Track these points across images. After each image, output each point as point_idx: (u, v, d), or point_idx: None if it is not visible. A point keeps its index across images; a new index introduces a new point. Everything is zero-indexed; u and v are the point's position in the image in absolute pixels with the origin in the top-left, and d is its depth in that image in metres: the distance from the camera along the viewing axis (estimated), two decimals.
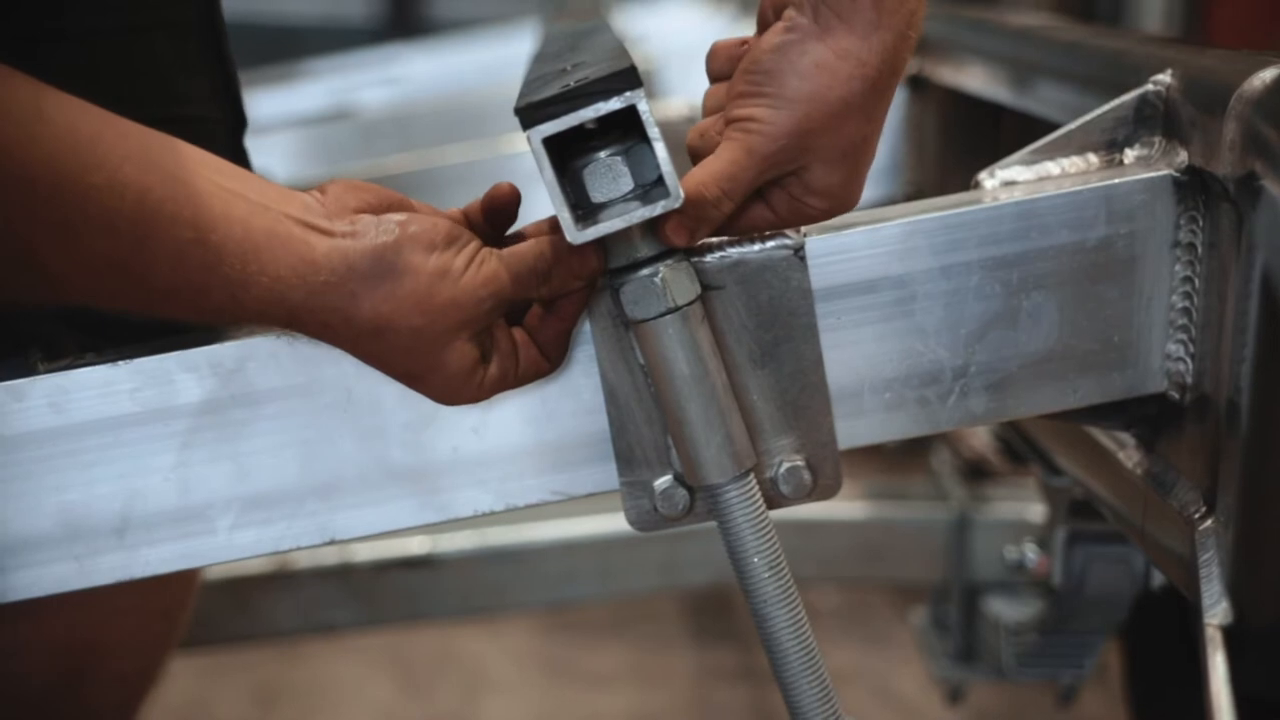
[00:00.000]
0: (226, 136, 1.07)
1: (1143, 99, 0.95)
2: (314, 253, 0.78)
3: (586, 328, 0.90)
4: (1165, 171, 0.92)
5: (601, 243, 0.84)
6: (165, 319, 0.80)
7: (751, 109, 0.84)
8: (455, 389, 0.85)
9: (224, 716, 2.49)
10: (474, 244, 0.83)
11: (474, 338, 0.83)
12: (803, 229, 0.90)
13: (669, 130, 0.81)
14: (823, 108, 0.82)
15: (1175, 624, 1.62)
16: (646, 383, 0.90)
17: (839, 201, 0.87)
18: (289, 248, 0.78)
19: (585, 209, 0.83)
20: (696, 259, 0.88)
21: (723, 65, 0.89)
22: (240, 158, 1.09)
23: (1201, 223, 0.91)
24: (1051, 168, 0.96)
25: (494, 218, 0.87)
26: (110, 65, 0.97)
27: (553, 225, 0.85)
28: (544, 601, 1.97)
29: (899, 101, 1.69)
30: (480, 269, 0.82)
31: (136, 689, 1.24)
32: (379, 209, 0.83)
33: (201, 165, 0.78)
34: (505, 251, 0.84)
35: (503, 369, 0.86)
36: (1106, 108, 0.96)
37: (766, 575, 0.89)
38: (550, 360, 0.89)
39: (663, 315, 0.85)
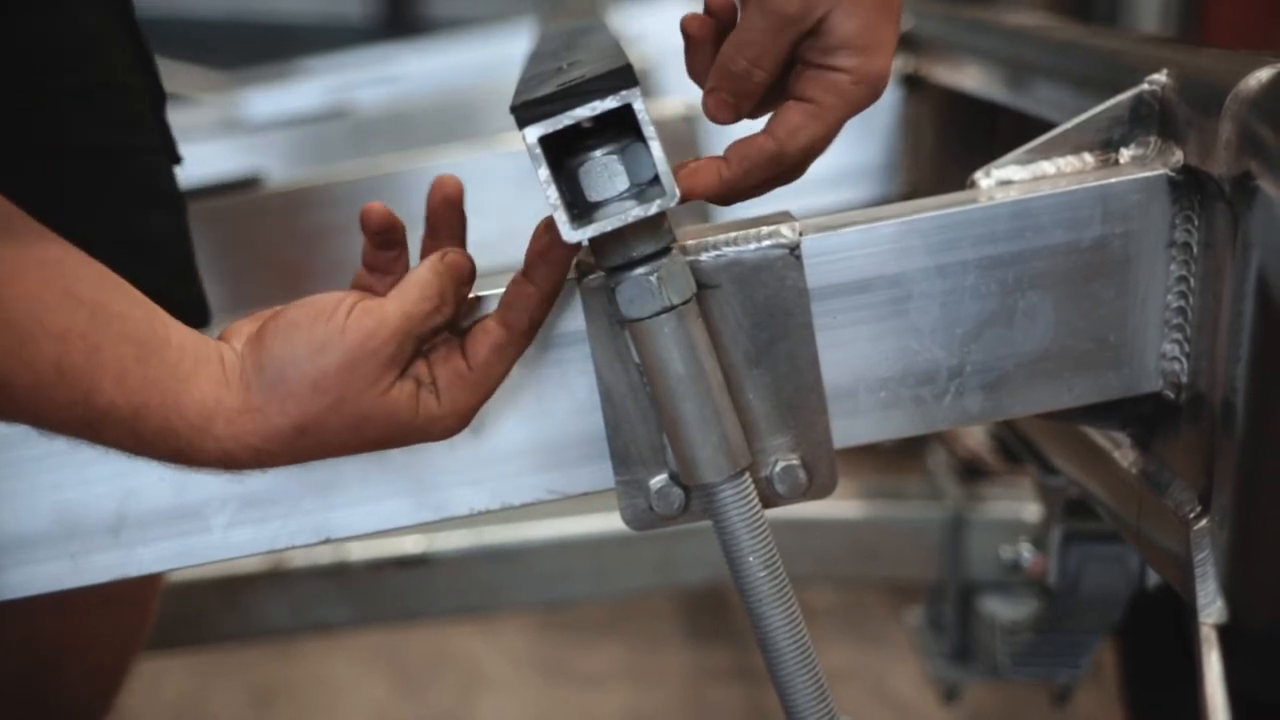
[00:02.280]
0: (152, 106, 1.10)
1: (1138, 99, 0.95)
2: (230, 370, 0.81)
3: (582, 326, 0.90)
4: (1161, 171, 0.92)
5: (593, 242, 0.84)
6: (95, 439, 0.83)
7: None
8: (421, 426, 0.84)
9: (219, 715, 2.48)
10: (348, 301, 0.82)
11: (399, 380, 0.82)
12: (799, 228, 0.90)
13: (665, 129, 0.81)
14: None
15: (1170, 623, 1.62)
16: (642, 382, 0.90)
17: (866, 56, 0.85)
18: (212, 371, 0.81)
19: (581, 208, 0.83)
20: (692, 258, 0.88)
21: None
22: (164, 131, 1.12)
23: (1197, 222, 0.91)
24: (1047, 167, 0.97)
25: (379, 242, 0.87)
26: (40, 34, 0.99)
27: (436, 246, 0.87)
28: (539, 600, 1.97)
29: (894, 101, 1.69)
30: (361, 321, 0.81)
31: (108, 682, 1.24)
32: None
33: (143, 300, 0.82)
34: (394, 291, 0.83)
35: (454, 376, 0.84)
36: (1102, 107, 0.96)
37: (762, 574, 0.89)
38: (509, 327, 0.85)
39: (658, 314, 0.85)
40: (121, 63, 1.06)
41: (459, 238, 0.88)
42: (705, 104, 0.87)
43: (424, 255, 0.87)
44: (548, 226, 0.84)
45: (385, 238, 0.86)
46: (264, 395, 0.80)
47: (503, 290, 0.87)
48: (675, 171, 0.87)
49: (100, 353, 0.78)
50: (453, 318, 0.85)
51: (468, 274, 0.85)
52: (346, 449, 0.83)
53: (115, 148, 1.04)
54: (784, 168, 0.88)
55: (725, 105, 0.87)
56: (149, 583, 1.23)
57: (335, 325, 0.80)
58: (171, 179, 1.11)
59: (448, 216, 0.87)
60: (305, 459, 0.83)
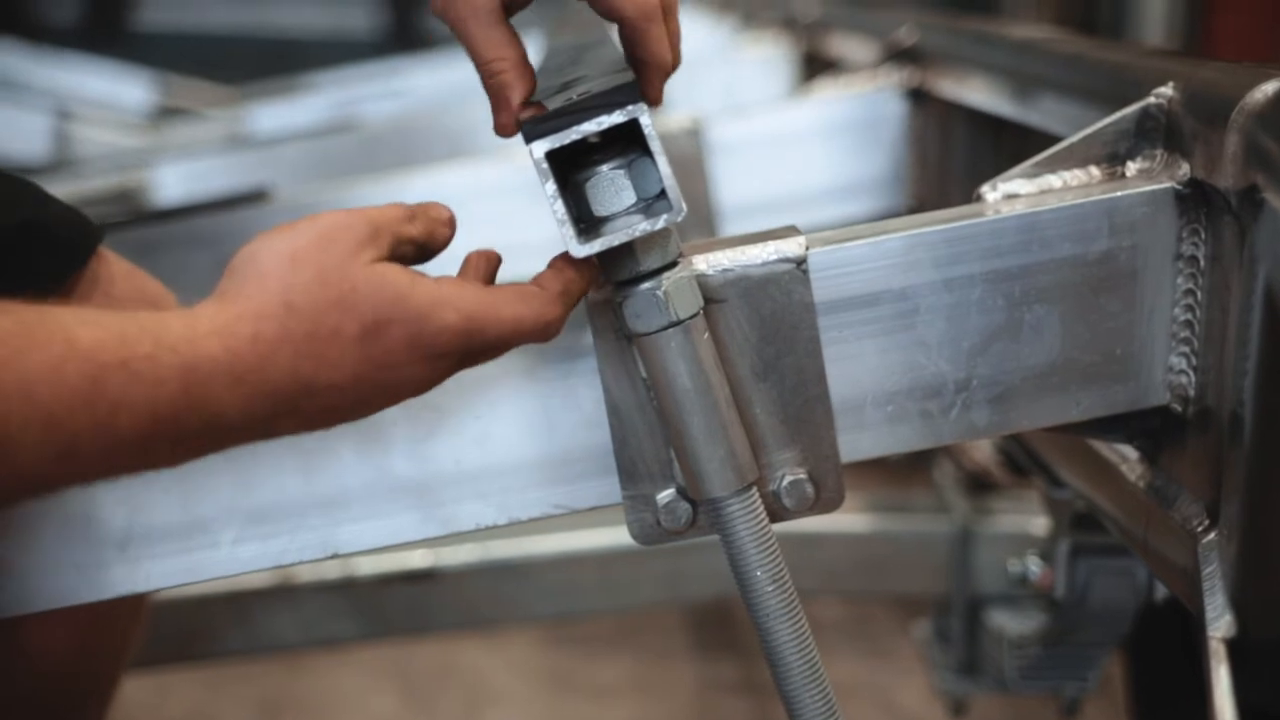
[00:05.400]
0: None
1: (1144, 112, 0.95)
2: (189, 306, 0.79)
3: (589, 340, 0.90)
4: (1167, 184, 0.92)
5: (600, 256, 0.84)
6: (110, 409, 0.75)
7: None
8: (422, 308, 0.80)
9: None
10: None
11: (384, 259, 0.81)
12: (804, 241, 0.90)
13: (671, 144, 0.81)
14: None
15: (1178, 637, 1.62)
16: (649, 396, 0.90)
17: None
18: (169, 310, 0.78)
19: (588, 222, 0.83)
20: (699, 272, 0.89)
21: None
22: None
23: (1203, 235, 0.91)
24: (1053, 180, 0.97)
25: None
26: None
27: None
28: (546, 614, 1.96)
29: (900, 114, 1.70)
30: (334, 212, 0.82)
31: (106, 694, 1.24)
32: None
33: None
34: None
35: (459, 282, 0.83)
36: (1108, 121, 0.96)
37: (769, 588, 0.89)
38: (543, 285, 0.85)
39: (665, 329, 0.85)
40: None
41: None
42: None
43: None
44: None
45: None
46: (240, 283, 0.79)
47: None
48: None
49: (50, 311, 0.73)
50: (424, 240, 0.85)
51: (446, 218, 0.86)
52: (343, 333, 0.79)
53: None
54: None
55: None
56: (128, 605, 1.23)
57: (307, 219, 0.81)
58: None
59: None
60: (304, 350, 0.78)
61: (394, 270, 0.80)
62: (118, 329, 0.74)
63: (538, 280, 0.85)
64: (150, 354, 0.74)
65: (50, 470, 0.73)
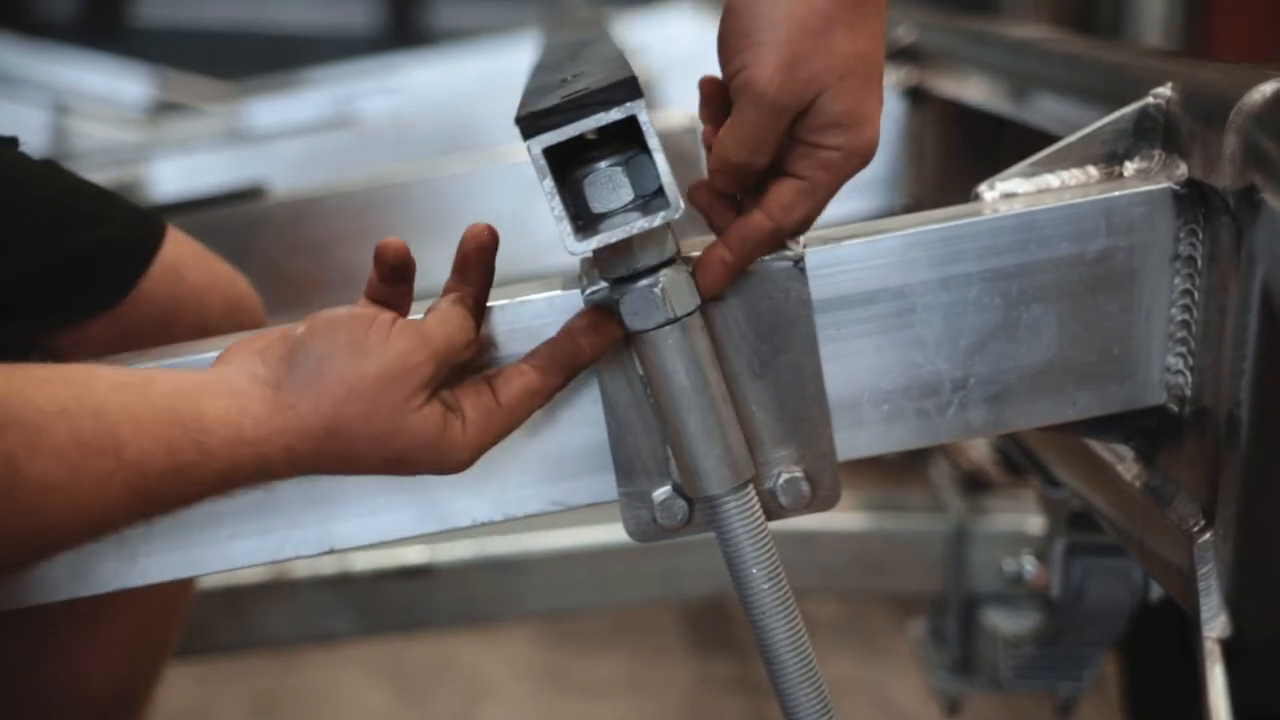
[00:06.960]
0: None
1: (1143, 112, 0.95)
2: (242, 381, 0.80)
3: None
4: (1165, 184, 0.92)
5: (596, 253, 0.84)
6: (146, 508, 0.79)
7: (739, 58, 0.84)
8: (442, 451, 0.83)
9: None
10: (390, 315, 0.83)
11: (430, 400, 0.82)
12: (802, 240, 0.90)
13: (669, 141, 0.81)
14: (803, 28, 0.83)
15: (1173, 637, 1.62)
16: (646, 393, 0.90)
17: (854, 132, 0.85)
18: (221, 388, 0.79)
19: (585, 219, 0.83)
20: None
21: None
22: None
23: (1201, 236, 0.91)
24: (1051, 180, 0.97)
25: (392, 277, 0.87)
26: None
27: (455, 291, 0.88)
28: (542, 611, 1.96)
29: (898, 113, 1.69)
30: (406, 333, 0.81)
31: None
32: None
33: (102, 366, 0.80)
34: (433, 316, 0.84)
35: (481, 409, 0.84)
36: (1106, 120, 0.96)
37: (765, 586, 0.89)
38: (545, 374, 0.86)
39: (662, 326, 0.85)
40: None
41: (486, 284, 0.89)
42: (712, 188, 0.88)
43: (445, 294, 0.88)
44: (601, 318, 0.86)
45: (399, 274, 0.86)
46: (297, 392, 0.80)
47: (531, 331, 0.89)
48: None
49: (105, 412, 0.75)
50: (476, 359, 0.87)
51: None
52: (367, 463, 0.82)
53: None
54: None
55: (725, 199, 0.88)
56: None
57: (379, 334, 0.81)
58: None
59: (480, 262, 0.88)
60: (328, 468, 0.82)
61: (431, 420, 0.82)
62: (165, 437, 0.76)
63: (540, 365, 0.87)
64: (193, 461, 0.77)
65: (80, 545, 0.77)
